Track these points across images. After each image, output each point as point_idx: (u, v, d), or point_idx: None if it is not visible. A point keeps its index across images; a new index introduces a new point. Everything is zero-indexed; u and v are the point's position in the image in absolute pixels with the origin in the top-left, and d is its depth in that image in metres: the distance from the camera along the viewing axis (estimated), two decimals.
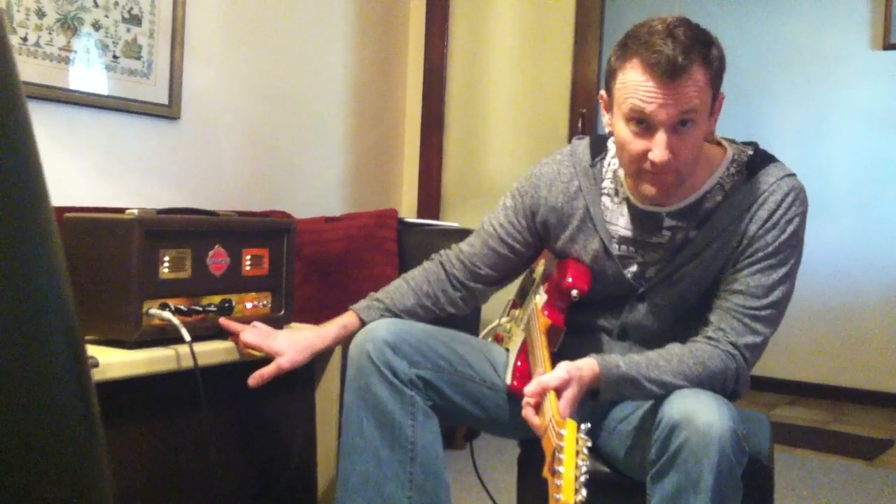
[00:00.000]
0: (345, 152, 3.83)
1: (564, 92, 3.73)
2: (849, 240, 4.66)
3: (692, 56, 1.50)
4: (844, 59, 4.74)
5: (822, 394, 4.68)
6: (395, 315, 1.85)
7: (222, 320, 1.83)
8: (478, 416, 1.79)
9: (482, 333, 2.03)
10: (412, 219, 3.65)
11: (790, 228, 1.62)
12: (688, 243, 1.66)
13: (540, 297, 1.79)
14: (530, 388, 1.50)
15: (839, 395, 4.65)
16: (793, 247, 1.64)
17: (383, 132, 4.05)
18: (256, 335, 1.82)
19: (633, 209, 1.71)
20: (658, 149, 1.53)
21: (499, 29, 3.94)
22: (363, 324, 1.82)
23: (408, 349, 1.69)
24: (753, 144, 1.72)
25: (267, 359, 1.81)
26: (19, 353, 0.55)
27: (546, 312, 1.73)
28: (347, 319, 1.87)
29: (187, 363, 1.69)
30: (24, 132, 0.57)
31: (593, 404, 1.63)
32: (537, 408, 1.49)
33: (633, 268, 1.72)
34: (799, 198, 1.64)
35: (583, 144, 1.81)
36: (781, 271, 1.62)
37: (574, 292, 1.70)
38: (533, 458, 1.83)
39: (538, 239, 1.85)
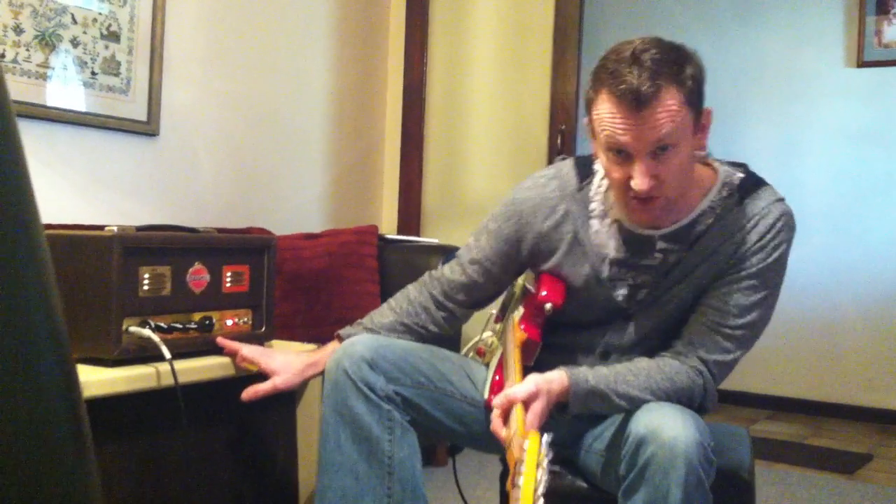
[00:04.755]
0: (325, 169, 3.83)
1: (544, 109, 3.75)
2: (825, 256, 4.69)
3: (660, 81, 1.47)
4: (819, 77, 4.79)
5: (801, 408, 4.71)
6: (376, 333, 1.85)
7: (220, 339, 1.85)
8: (458, 431, 1.79)
9: (464, 350, 2.03)
10: (393, 235, 3.64)
11: (776, 254, 1.62)
12: (678, 265, 1.65)
13: (518, 312, 1.79)
14: (498, 401, 1.50)
15: (818, 409, 4.68)
16: (775, 272, 1.63)
17: (363, 149, 4.05)
18: (256, 350, 1.85)
19: (624, 232, 1.69)
20: (638, 177, 1.51)
21: (478, 46, 3.95)
22: None
23: (385, 365, 1.69)
24: (744, 166, 1.71)
25: (260, 376, 1.83)
26: (10, 368, 0.55)
27: (522, 326, 1.73)
28: (334, 347, 1.86)
29: (168, 381, 1.68)
30: (15, 151, 0.57)
31: (561, 418, 1.63)
32: (505, 420, 1.49)
33: (624, 290, 1.70)
34: (787, 224, 1.63)
35: (567, 166, 1.78)
36: (761, 294, 1.62)
37: (548, 306, 1.70)
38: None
39: (519, 266, 1.83)
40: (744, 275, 1.61)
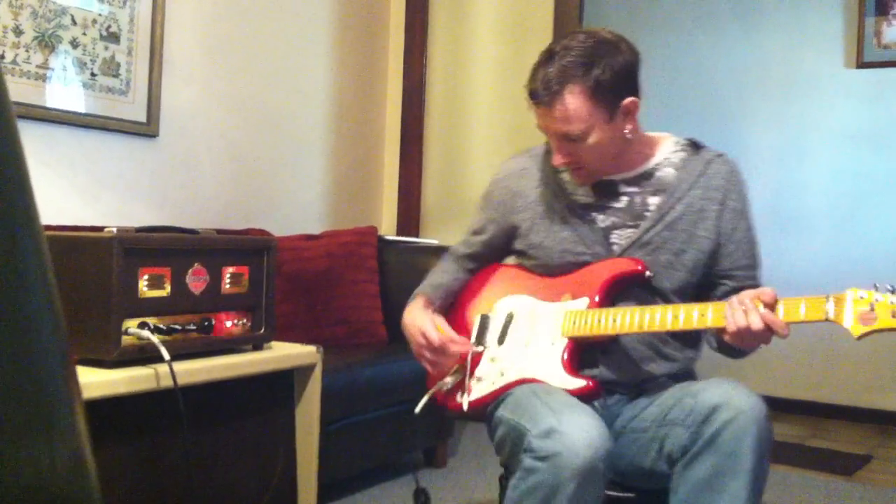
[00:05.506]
0: (325, 170, 3.83)
1: None
2: (826, 257, 4.69)
3: (562, 85, 1.68)
4: (819, 78, 4.79)
5: (801, 409, 4.70)
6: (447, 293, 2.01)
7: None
8: None
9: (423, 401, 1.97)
10: (392, 236, 3.65)
11: (747, 198, 1.85)
12: (648, 208, 1.81)
13: (574, 304, 1.79)
14: (750, 294, 1.58)
15: (818, 410, 4.68)
16: (746, 202, 1.85)
17: (363, 150, 4.05)
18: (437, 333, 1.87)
19: None
20: (553, 154, 1.79)
21: (478, 46, 3.95)
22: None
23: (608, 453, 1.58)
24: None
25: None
26: (14, 364, 0.55)
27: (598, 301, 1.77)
28: (420, 307, 1.95)
29: (167, 382, 1.68)
30: (15, 152, 0.57)
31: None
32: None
33: (601, 225, 1.83)
34: (737, 169, 1.86)
35: (537, 145, 2.00)
36: (749, 227, 1.85)
37: (649, 273, 1.76)
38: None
39: (510, 228, 1.95)
40: (731, 227, 1.80)
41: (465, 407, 1.84)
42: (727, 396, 1.53)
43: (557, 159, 1.78)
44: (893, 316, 1.48)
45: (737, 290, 1.77)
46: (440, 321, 1.90)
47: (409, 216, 4.03)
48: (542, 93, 1.70)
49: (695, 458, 1.53)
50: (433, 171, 4.04)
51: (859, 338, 1.51)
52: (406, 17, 4.07)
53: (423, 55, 4.04)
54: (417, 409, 1.90)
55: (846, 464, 3.71)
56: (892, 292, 1.49)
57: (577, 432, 1.49)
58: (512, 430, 1.66)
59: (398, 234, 3.95)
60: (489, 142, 3.92)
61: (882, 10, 4.61)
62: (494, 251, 2.02)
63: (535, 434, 1.53)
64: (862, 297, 1.51)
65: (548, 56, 1.71)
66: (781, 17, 4.88)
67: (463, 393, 1.87)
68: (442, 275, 2.03)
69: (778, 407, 4.79)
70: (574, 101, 1.68)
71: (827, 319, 1.53)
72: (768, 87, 4.92)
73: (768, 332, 1.56)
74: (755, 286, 1.79)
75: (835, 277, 4.68)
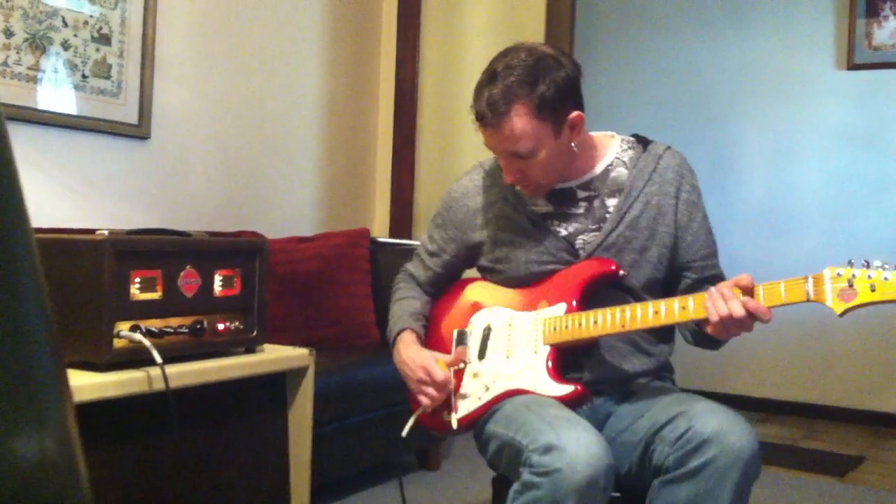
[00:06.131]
0: (317, 172, 3.83)
1: None
2: (818, 257, 4.65)
3: (508, 103, 1.69)
4: (811, 80, 4.80)
5: (793, 411, 4.71)
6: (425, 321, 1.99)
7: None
8: None
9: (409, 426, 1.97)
10: (385, 238, 3.64)
11: (694, 181, 1.88)
12: (607, 210, 1.83)
13: (551, 310, 1.80)
14: (745, 282, 1.59)
15: (810, 412, 4.69)
16: (699, 194, 1.88)
17: (355, 152, 4.05)
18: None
19: None
20: (503, 172, 1.81)
21: (470, 48, 3.95)
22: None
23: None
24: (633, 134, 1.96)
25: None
26: (6, 364, 0.55)
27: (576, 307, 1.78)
28: (410, 340, 1.92)
29: (159, 385, 1.67)
30: (5, 152, 0.57)
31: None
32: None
33: (563, 233, 1.84)
34: (686, 160, 1.90)
35: (488, 158, 2.00)
36: (704, 216, 1.88)
37: (622, 272, 1.78)
38: (508, 481, 1.83)
39: (469, 248, 1.97)
40: (696, 225, 1.84)
41: (455, 426, 1.84)
42: (721, 431, 1.51)
43: (508, 178, 1.80)
44: (872, 290, 1.49)
45: (699, 281, 1.84)
46: (440, 357, 1.87)
47: (402, 218, 4.03)
48: (488, 114, 1.71)
49: (675, 482, 1.53)
50: (426, 173, 4.04)
51: (842, 314, 1.52)
52: (398, 18, 4.07)
53: (415, 56, 4.03)
54: (404, 433, 1.91)
55: (838, 465, 3.72)
56: (868, 267, 1.51)
57: (576, 448, 1.48)
58: (507, 446, 1.65)
59: (391, 235, 3.95)
60: (482, 144, 3.92)
61: (872, 12, 4.63)
62: (454, 271, 2.04)
63: (533, 449, 1.52)
64: (839, 275, 1.52)
65: (490, 76, 1.72)
66: (773, 18, 4.90)
67: (448, 412, 1.87)
68: (413, 301, 2.01)
69: (770, 408, 4.80)
70: (521, 120, 1.70)
71: (808, 300, 1.54)
72: (760, 88, 4.93)
73: (751, 318, 1.57)
74: (716, 274, 1.86)
75: None
